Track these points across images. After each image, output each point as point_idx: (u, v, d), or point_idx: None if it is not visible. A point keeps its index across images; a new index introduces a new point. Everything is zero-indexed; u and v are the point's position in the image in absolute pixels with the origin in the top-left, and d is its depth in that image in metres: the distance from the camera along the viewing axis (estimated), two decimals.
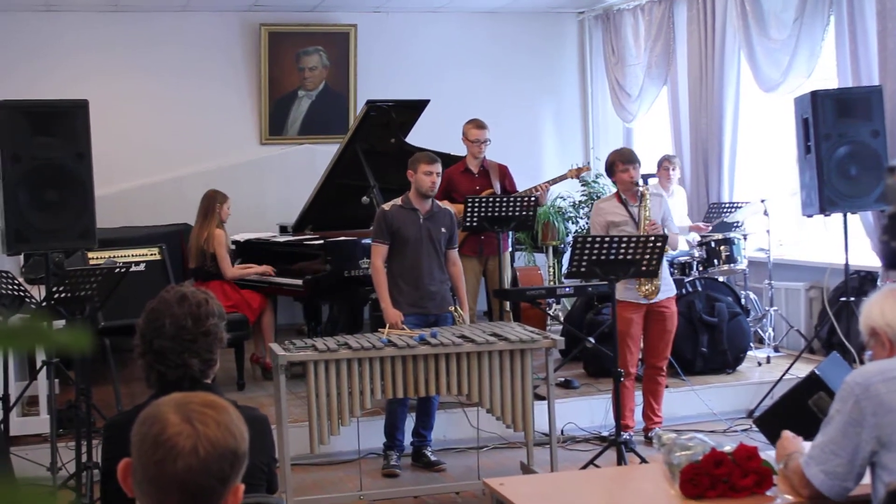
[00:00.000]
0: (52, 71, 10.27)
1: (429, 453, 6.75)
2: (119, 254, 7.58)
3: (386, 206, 6.69)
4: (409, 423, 6.76)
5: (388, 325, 6.33)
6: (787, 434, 3.56)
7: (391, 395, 5.89)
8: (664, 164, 9.01)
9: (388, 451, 6.65)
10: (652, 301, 6.81)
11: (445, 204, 7.72)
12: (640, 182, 6.86)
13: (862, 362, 5.78)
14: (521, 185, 8.35)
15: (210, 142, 10.94)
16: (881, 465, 3.06)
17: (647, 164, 9.41)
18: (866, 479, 3.17)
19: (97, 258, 7.37)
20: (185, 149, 10.86)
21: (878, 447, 3.05)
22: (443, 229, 6.66)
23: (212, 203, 8.38)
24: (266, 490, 3.11)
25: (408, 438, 6.76)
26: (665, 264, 6.90)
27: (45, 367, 6.16)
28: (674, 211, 8.89)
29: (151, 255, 7.83)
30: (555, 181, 8.51)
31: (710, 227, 8.94)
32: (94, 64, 10.58)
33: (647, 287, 6.76)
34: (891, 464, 3.01)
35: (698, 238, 8.81)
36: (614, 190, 7.10)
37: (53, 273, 6.00)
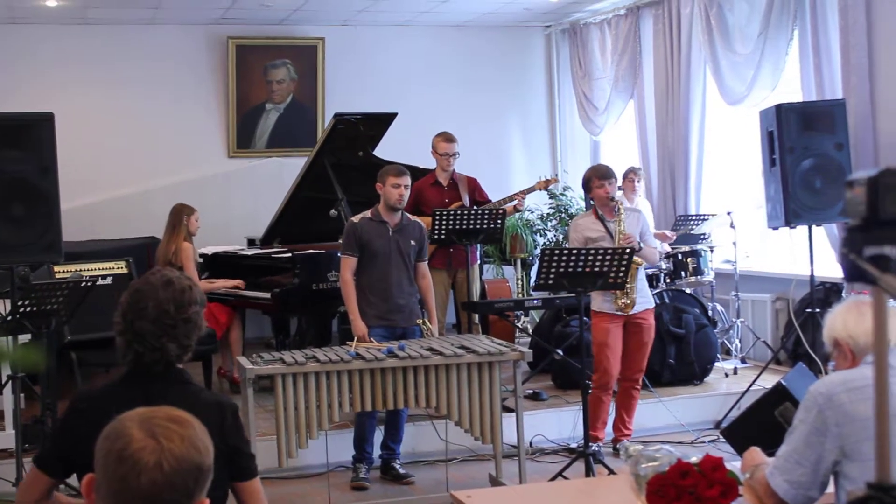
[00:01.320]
0: (18, 83, 10.22)
1: (397, 466, 6.74)
2: (85, 267, 7.54)
3: (355, 219, 6.70)
4: (378, 436, 6.75)
5: (355, 338, 6.33)
6: (754, 448, 3.59)
7: (359, 409, 5.88)
8: (629, 175, 9.05)
9: (356, 464, 6.63)
10: (629, 313, 6.84)
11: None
12: (616, 197, 6.90)
13: (827, 373, 5.82)
14: (491, 197, 8.36)
15: (177, 155, 10.91)
16: (844, 474, 3.08)
17: None
18: (830, 489, 3.19)
19: (63, 272, 7.33)
20: (152, 162, 10.83)
21: (840, 457, 3.07)
22: (412, 242, 6.67)
23: (179, 216, 8.35)
24: (231, 477, 3.10)
25: (376, 451, 6.75)
26: (643, 276, 6.95)
27: (10, 382, 6.11)
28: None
29: (118, 268, 7.80)
30: (523, 193, 8.53)
31: (676, 236, 8.99)
32: (60, 76, 10.54)
33: (622, 301, 6.80)
34: (853, 473, 3.03)
35: (666, 248, 8.86)
36: (586, 204, 7.14)
37: (19, 287, 5.96)
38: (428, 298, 6.83)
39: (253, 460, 3.19)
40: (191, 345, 3.16)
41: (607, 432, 7.10)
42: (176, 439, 1.99)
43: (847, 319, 3.26)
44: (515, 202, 8.18)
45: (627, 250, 6.12)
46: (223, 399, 3.21)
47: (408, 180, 6.65)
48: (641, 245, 6.82)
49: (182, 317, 3.09)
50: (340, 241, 6.85)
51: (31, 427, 6.24)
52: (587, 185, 6.94)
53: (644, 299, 6.93)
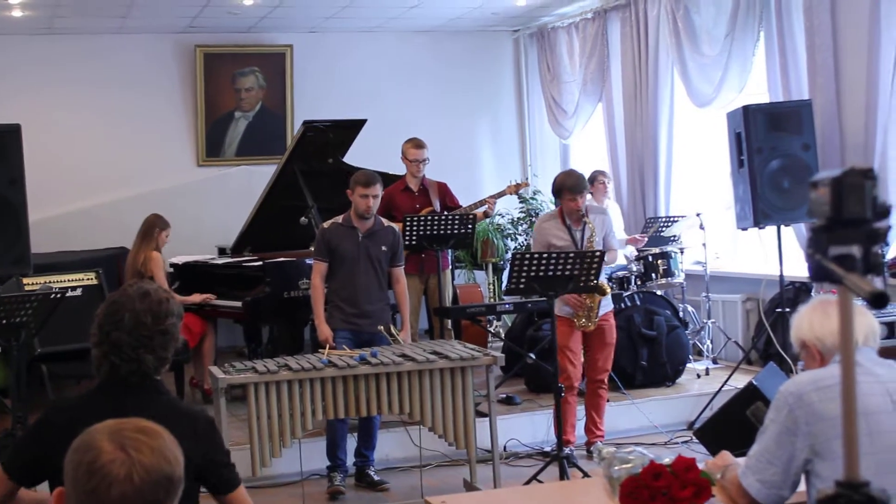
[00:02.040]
0: None
1: (372, 473, 6.72)
2: (55, 279, 7.49)
3: (326, 224, 6.70)
4: (351, 443, 6.74)
5: (327, 346, 6.30)
6: (724, 452, 3.61)
7: (332, 416, 5.88)
8: (599, 178, 9.08)
9: (331, 472, 6.61)
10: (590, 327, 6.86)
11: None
12: (585, 210, 6.85)
13: (798, 373, 5.85)
14: (461, 202, 8.37)
15: (146, 164, 10.86)
16: (815, 473, 3.10)
17: None
18: (802, 487, 3.21)
19: (33, 284, 7.27)
20: (121, 172, 10.77)
21: (811, 455, 3.09)
22: (383, 247, 6.65)
23: (152, 228, 8.31)
24: (215, 491, 3.11)
25: (350, 459, 6.74)
26: (603, 280, 6.94)
27: None
28: None
29: (88, 279, 7.75)
30: (494, 197, 8.55)
31: (647, 239, 9.02)
32: (27, 87, 10.47)
33: (583, 321, 6.79)
34: (823, 472, 3.05)
35: (635, 252, 8.90)
36: (557, 207, 7.08)
37: None
38: (402, 304, 6.82)
39: (233, 469, 3.18)
40: (167, 357, 3.15)
41: (580, 435, 7.12)
42: (146, 451, 1.98)
43: (812, 320, 3.28)
44: (486, 207, 8.19)
45: (597, 253, 6.13)
46: (197, 410, 3.20)
47: (377, 189, 6.61)
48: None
49: (159, 328, 3.09)
50: (312, 248, 6.84)
51: (2, 440, 6.19)
52: (558, 193, 6.89)
53: (604, 301, 6.93)
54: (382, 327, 6.55)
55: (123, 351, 3.06)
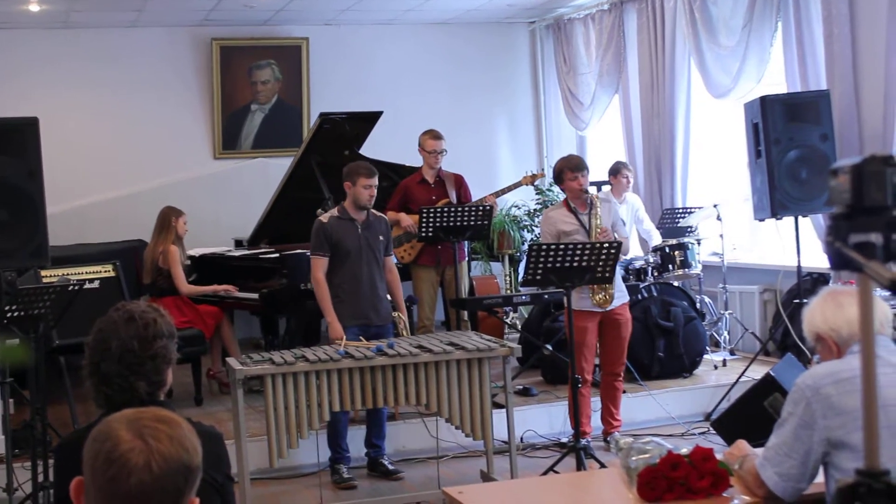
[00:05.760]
0: (2, 89, 10.17)
1: (386, 462, 6.73)
2: (73, 271, 7.51)
3: (323, 218, 6.66)
4: (360, 434, 6.73)
5: (343, 338, 6.28)
6: (741, 441, 3.60)
7: (349, 407, 5.88)
8: (622, 171, 9.02)
9: (336, 464, 6.60)
10: (606, 309, 6.84)
11: (397, 216, 7.72)
12: (590, 189, 6.88)
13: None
14: (476, 195, 8.36)
15: (163, 157, 10.89)
16: (833, 464, 3.09)
17: (601, 172, 9.46)
18: (820, 478, 3.20)
19: (50, 276, 7.29)
20: (138, 165, 10.80)
21: (829, 448, 3.08)
22: (380, 237, 6.67)
23: (167, 219, 8.35)
24: None
25: (359, 450, 6.73)
26: (618, 271, 6.91)
27: None
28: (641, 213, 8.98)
29: (105, 271, 7.77)
30: (509, 188, 8.55)
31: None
32: (44, 81, 10.50)
33: (599, 296, 6.77)
34: (842, 463, 3.04)
35: (658, 239, 8.87)
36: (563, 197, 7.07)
37: (6, 292, 5.93)
38: (396, 292, 6.83)
39: (232, 497, 3.06)
40: (161, 380, 3.01)
41: (596, 426, 7.11)
42: (164, 439, 1.98)
43: (825, 312, 3.25)
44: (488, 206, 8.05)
45: (614, 245, 6.12)
46: (211, 429, 3.05)
47: (376, 180, 6.63)
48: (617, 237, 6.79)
49: (148, 353, 2.96)
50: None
51: (21, 432, 6.22)
52: (559, 176, 6.88)
53: (620, 293, 6.92)
54: (396, 314, 6.62)
55: (114, 381, 2.95)
